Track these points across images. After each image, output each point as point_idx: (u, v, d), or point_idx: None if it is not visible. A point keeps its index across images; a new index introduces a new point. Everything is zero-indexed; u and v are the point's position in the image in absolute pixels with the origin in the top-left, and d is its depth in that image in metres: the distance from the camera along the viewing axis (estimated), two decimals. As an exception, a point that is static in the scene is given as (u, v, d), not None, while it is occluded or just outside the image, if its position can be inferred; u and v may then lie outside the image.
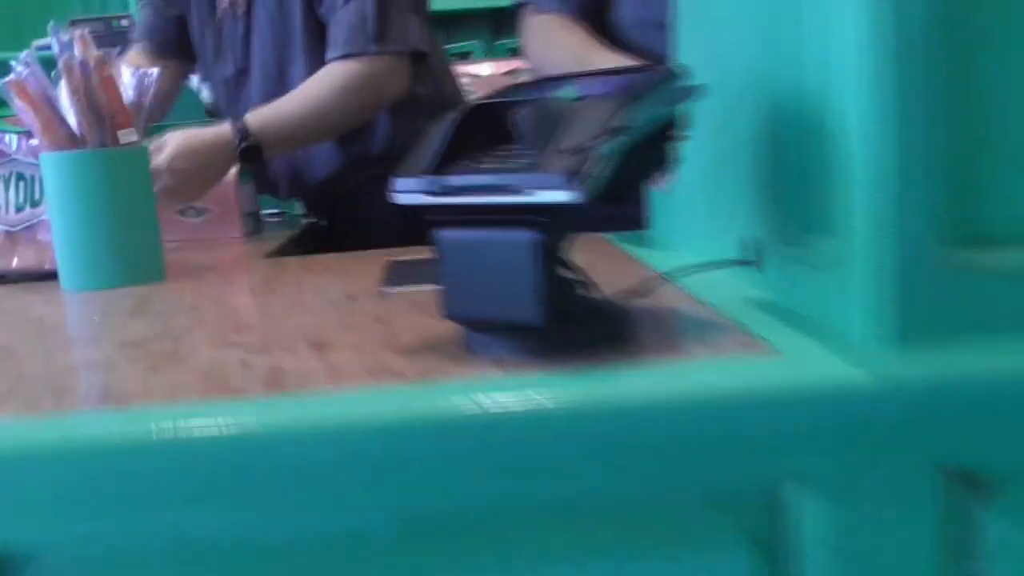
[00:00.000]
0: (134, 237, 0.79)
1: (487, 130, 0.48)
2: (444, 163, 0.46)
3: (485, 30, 3.01)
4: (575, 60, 0.92)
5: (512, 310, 0.44)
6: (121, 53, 0.89)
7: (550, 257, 0.44)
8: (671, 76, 0.47)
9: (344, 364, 0.46)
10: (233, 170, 1.20)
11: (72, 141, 0.78)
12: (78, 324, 0.64)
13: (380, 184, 1.33)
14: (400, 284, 0.70)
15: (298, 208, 1.61)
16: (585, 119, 0.44)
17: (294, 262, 0.87)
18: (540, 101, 0.45)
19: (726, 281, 0.60)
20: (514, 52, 2.89)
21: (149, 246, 0.81)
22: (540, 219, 0.43)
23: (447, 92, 1.36)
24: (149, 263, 0.81)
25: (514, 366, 0.44)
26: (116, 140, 0.79)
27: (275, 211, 1.53)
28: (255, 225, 1.25)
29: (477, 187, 0.44)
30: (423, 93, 1.29)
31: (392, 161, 1.41)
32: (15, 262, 0.86)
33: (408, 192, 0.47)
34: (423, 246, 0.95)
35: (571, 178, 0.41)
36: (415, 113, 1.28)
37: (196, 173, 1.08)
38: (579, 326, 0.46)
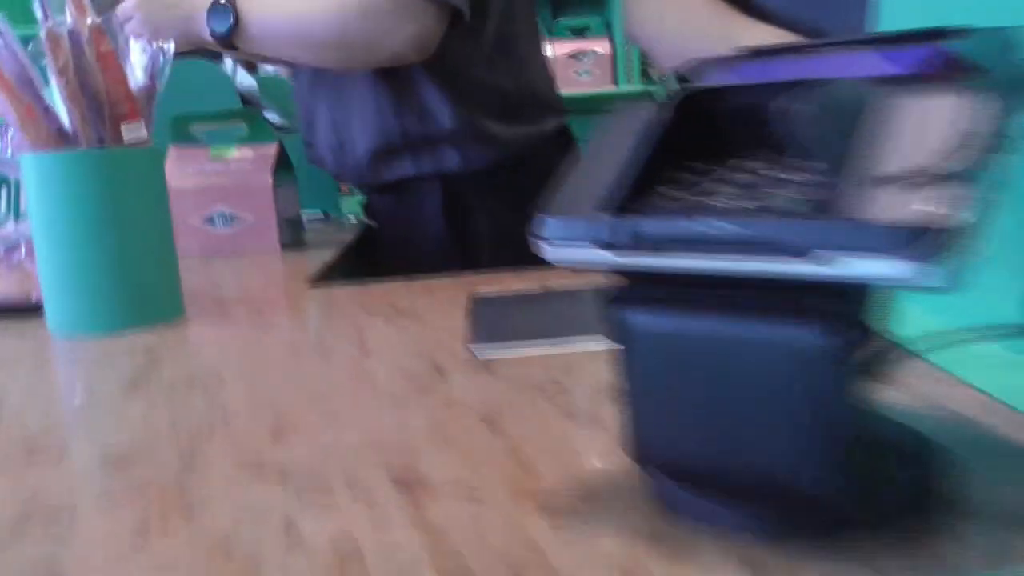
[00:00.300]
0: (142, 265, 0.60)
1: (700, 138, 0.28)
2: (634, 194, 0.27)
3: (544, 8, 2.79)
4: (718, 34, 0.71)
5: (778, 468, 0.24)
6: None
7: (857, 374, 0.24)
8: (1008, 45, 0.27)
9: (458, 536, 0.27)
10: (268, 169, 1.01)
11: (60, 138, 0.59)
12: (50, 406, 0.45)
13: (432, 179, 1.12)
14: (495, 339, 0.51)
15: (343, 208, 1.43)
16: (910, 120, 0.24)
17: (349, 299, 0.68)
18: (824, 86, 0.25)
19: (989, 357, 0.40)
20: (578, 32, 2.68)
21: (161, 277, 0.62)
22: (839, 306, 0.23)
23: (529, 87, 1.13)
24: (161, 299, 0.62)
25: (771, 567, 0.24)
26: (118, 137, 0.60)
27: (319, 214, 1.35)
28: (295, 234, 1.07)
29: (707, 241, 0.24)
30: (494, 81, 1.08)
31: (438, 150, 1.19)
32: (-6, 292, 0.67)
33: (568, 243, 0.27)
34: (501, 270, 0.76)
35: (921, 236, 0.21)
36: (478, 101, 1.08)
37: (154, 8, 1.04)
38: (868, 475, 0.27)
